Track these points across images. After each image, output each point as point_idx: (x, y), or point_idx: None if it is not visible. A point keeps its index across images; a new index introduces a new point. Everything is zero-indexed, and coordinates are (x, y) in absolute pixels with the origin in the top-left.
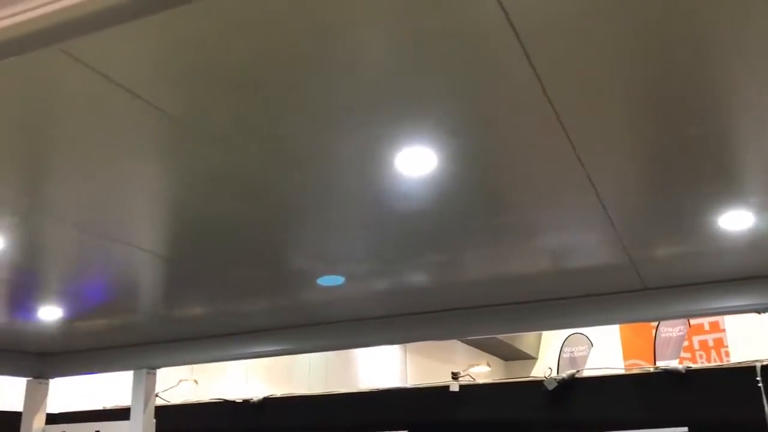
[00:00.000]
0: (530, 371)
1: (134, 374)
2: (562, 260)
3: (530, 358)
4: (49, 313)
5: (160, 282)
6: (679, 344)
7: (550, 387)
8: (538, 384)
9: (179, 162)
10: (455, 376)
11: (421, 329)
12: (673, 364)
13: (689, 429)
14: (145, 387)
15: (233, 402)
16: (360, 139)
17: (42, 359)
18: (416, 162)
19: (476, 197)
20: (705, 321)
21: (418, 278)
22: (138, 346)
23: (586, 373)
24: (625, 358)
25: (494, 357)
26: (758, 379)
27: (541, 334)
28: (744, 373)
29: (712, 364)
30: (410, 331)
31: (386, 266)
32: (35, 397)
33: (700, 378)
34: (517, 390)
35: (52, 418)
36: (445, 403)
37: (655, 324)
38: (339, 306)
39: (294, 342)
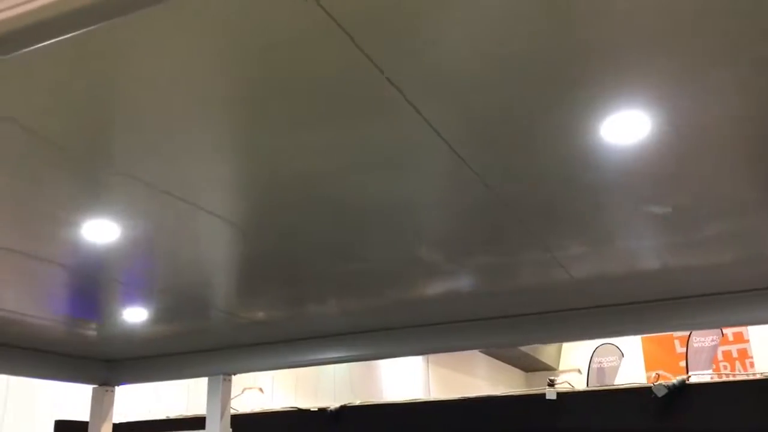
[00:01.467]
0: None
1: (209, 381)
2: None
3: (550, 369)
4: (136, 315)
5: (237, 277)
6: (711, 354)
7: (660, 394)
8: (644, 391)
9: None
10: (551, 383)
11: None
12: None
13: None
14: (221, 393)
15: (308, 411)
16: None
17: (109, 366)
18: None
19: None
20: (729, 331)
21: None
22: (212, 352)
23: (695, 379)
24: (647, 369)
25: (515, 368)
26: None
27: (561, 345)
28: None
29: None
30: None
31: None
32: (102, 404)
33: None
34: (620, 397)
35: (116, 428)
36: (541, 411)
37: (677, 335)
38: (424, 309)
39: (373, 347)
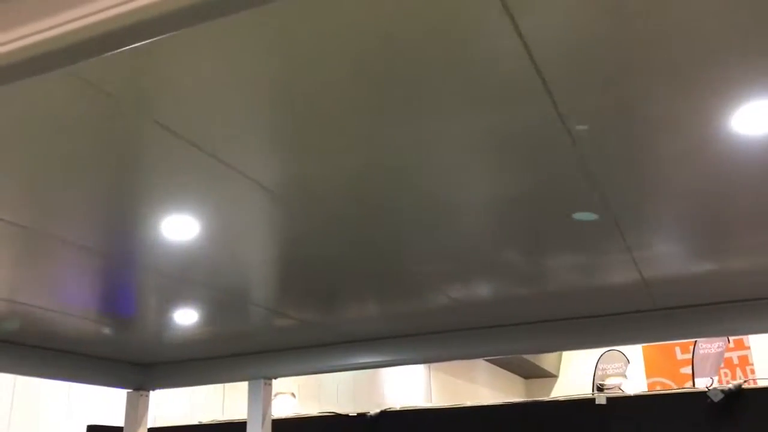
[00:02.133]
0: (550, 389)
1: (250, 385)
2: None
3: (551, 376)
4: (186, 317)
5: (277, 280)
6: (717, 361)
7: (716, 399)
8: (699, 395)
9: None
10: (601, 388)
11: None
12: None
13: None
14: (262, 398)
15: (347, 415)
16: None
17: (144, 370)
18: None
19: None
20: (730, 338)
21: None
22: (252, 355)
23: (752, 384)
24: (648, 376)
25: (515, 375)
26: None
27: (561, 353)
28: None
29: None
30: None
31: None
32: (137, 409)
33: None
34: (673, 402)
35: None
36: (591, 417)
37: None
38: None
39: (416, 351)
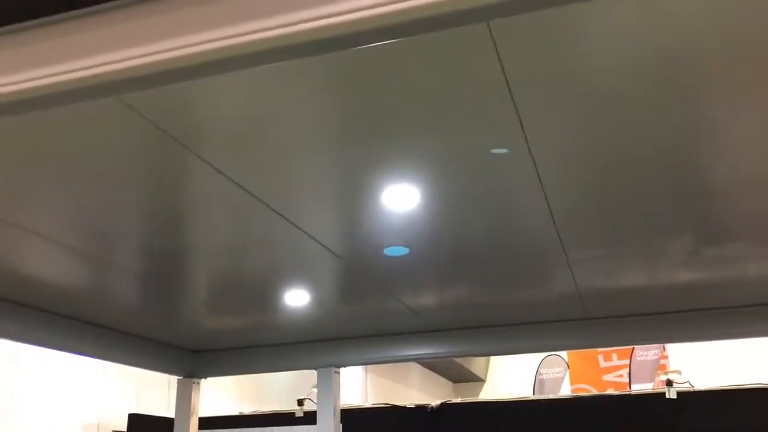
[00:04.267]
0: (478, 393)
1: (319, 373)
2: None
3: (479, 380)
4: (297, 298)
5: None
6: (653, 367)
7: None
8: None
9: None
10: (670, 383)
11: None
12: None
13: None
14: (332, 387)
15: (405, 407)
16: None
17: (195, 357)
18: None
19: None
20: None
21: None
22: (318, 343)
23: None
24: (572, 383)
25: (444, 379)
26: None
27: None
28: None
29: None
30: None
31: None
32: (189, 397)
33: None
34: (743, 397)
35: (205, 423)
36: (663, 410)
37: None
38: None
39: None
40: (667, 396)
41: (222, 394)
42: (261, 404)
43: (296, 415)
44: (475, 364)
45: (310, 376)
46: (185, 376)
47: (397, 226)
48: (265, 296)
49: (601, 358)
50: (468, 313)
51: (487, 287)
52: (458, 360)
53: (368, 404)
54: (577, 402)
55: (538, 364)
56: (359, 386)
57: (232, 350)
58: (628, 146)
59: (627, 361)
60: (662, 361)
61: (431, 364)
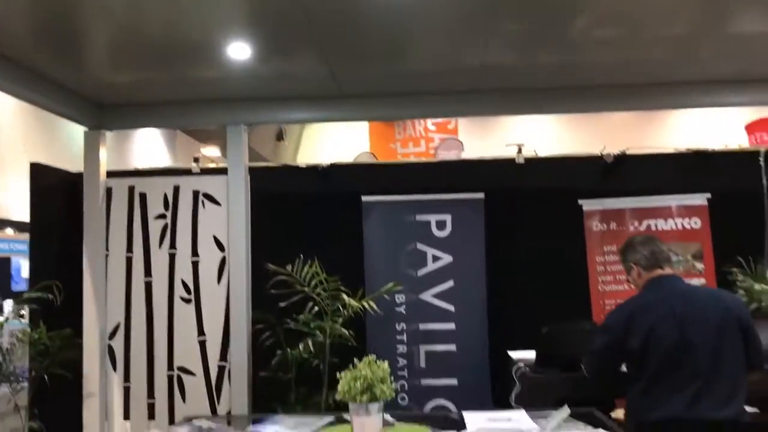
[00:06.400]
0: None
1: (228, 130)
2: None
3: None
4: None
5: None
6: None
7: (609, 161)
8: (597, 158)
9: None
10: (519, 149)
11: None
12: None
13: (712, 195)
14: (241, 143)
15: (297, 167)
16: None
17: (103, 109)
18: None
19: None
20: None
21: None
22: (231, 102)
23: (634, 151)
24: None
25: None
26: (761, 159)
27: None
28: (752, 155)
29: (730, 149)
30: None
31: None
32: (95, 149)
33: (719, 158)
34: (577, 164)
35: (111, 174)
36: (513, 173)
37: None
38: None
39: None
40: (516, 161)
41: None
42: None
43: (192, 171)
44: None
45: None
46: (92, 128)
47: None
48: (171, 47)
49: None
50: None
51: None
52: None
53: (271, 164)
54: (423, 166)
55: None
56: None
57: (142, 105)
58: None
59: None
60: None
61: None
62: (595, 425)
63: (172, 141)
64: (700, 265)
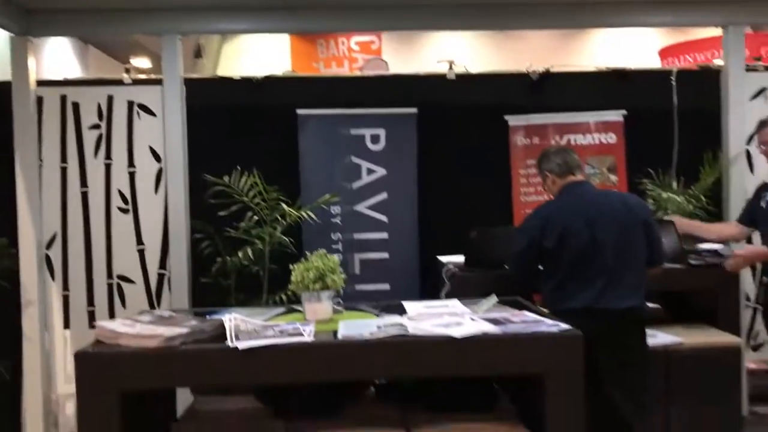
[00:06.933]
0: None
1: (163, 40)
2: None
3: None
4: None
5: None
6: None
7: (534, 78)
8: (523, 75)
9: None
10: (450, 65)
11: None
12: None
13: (627, 112)
14: (176, 53)
15: (232, 79)
16: None
17: (30, 14)
18: None
19: None
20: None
21: None
22: (166, 11)
23: (557, 70)
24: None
25: None
26: (672, 79)
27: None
28: (665, 75)
29: (645, 68)
30: None
31: None
32: (23, 56)
33: (635, 77)
34: (506, 80)
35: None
36: (444, 89)
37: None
38: None
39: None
40: (447, 77)
41: None
42: None
43: (124, 82)
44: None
45: None
46: (19, 34)
47: None
48: None
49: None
50: None
51: None
52: None
53: (206, 75)
54: (358, 81)
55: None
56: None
57: (72, 11)
58: None
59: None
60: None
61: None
62: (520, 309)
63: (83, 56)
64: (614, 177)
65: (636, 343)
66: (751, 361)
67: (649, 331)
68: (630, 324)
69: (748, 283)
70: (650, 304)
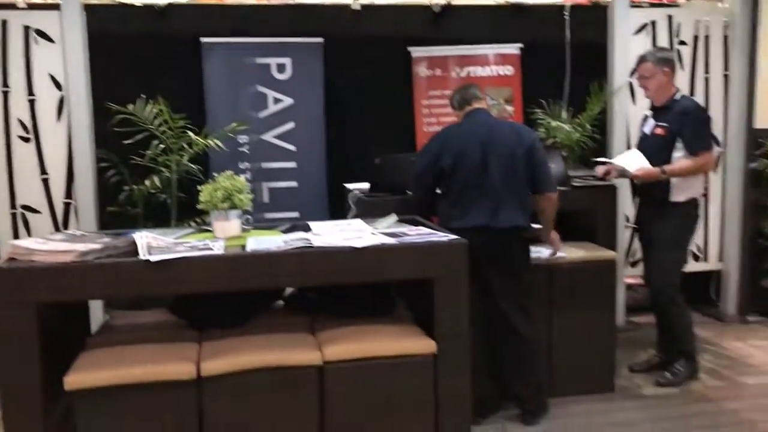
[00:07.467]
0: None
1: None
2: None
3: None
4: None
5: None
6: None
7: (437, 10)
8: (426, 8)
9: None
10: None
11: None
12: None
13: (524, 45)
14: None
15: (134, 5)
16: None
17: None
18: None
19: None
20: None
21: None
22: None
23: (459, 2)
24: None
25: None
26: (565, 14)
27: None
28: (559, 10)
29: (540, 2)
30: None
31: None
32: None
33: (531, 11)
34: (407, 11)
35: None
36: (349, 19)
37: None
38: None
39: None
40: (352, 8)
41: None
42: None
43: (18, 6)
44: None
45: None
46: None
47: None
48: None
49: None
50: None
51: None
52: None
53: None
54: (262, 9)
55: None
56: None
57: None
58: None
59: None
60: None
61: None
62: (417, 226)
63: None
64: (510, 108)
65: (521, 258)
66: (629, 277)
67: (534, 248)
68: (515, 241)
69: (627, 205)
70: (535, 225)
